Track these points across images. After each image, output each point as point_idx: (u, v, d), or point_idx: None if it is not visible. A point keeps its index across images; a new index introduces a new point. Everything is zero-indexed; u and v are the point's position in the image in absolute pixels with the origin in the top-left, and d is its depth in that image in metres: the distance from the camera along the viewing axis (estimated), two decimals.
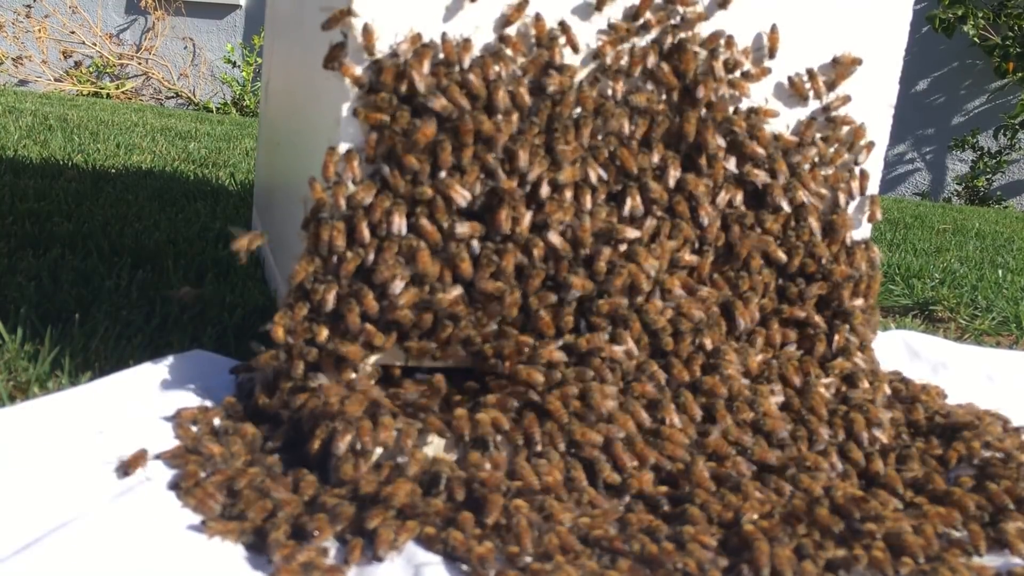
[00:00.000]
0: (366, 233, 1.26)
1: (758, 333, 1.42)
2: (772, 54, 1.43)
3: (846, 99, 1.48)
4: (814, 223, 1.45)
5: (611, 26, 1.35)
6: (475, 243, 1.30)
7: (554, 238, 1.30)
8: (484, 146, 1.29)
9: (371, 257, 1.26)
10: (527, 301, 1.31)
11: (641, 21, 1.36)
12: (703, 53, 1.39)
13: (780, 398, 1.36)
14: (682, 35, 1.38)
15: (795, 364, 1.41)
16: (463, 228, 1.28)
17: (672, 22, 1.38)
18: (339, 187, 1.27)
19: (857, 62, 1.46)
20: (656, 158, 1.38)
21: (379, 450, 1.19)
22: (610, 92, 1.36)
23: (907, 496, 1.23)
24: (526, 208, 1.31)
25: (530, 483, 1.16)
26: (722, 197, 1.41)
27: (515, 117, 1.30)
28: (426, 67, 1.27)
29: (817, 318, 1.44)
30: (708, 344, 1.36)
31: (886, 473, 1.28)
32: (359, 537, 1.05)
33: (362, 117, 1.27)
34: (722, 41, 1.39)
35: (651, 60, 1.37)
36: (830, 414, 1.35)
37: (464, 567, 1.03)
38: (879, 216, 1.52)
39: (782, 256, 1.43)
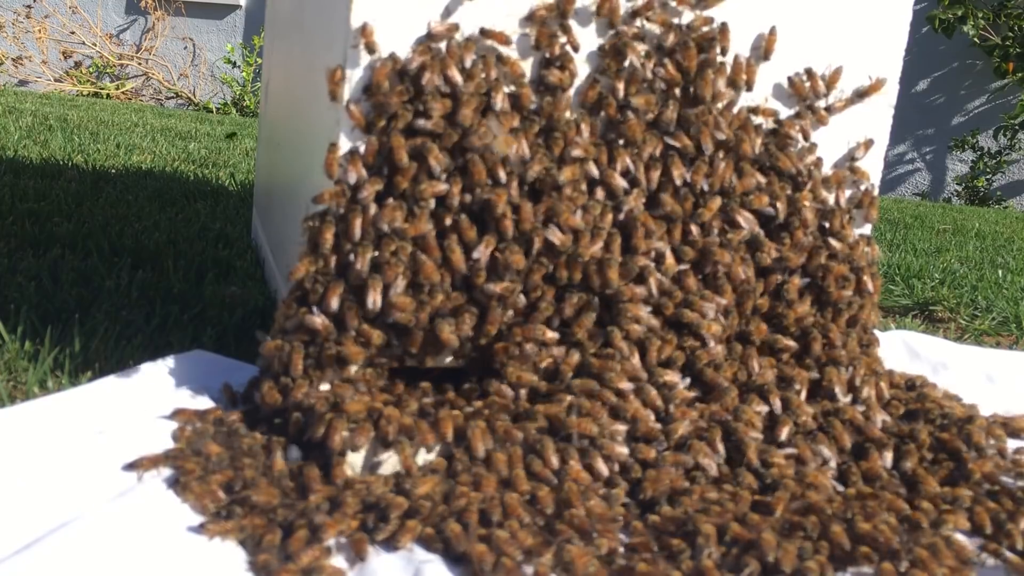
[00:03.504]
0: (358, 232, 1.26)
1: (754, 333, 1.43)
2: (767, 56, 1.43)
3: (849, 101, 1.48)
4: (812, 220, 1.45)
5: (618, 33, 1.36)
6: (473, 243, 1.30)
7: (553, 236, 1.30)
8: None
9: (367, 256, 1.26)
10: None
11: (645, 25, 1.36)
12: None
13: (765, 408, 1.36)
14: (685, 36, 1.38)
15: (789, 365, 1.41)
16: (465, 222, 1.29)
17: (675, 21, 1.38)
18: (342, 185, 1.27)
19: (882, 82, 1.48)
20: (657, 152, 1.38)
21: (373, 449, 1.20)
22: (611, 92, 1.36)
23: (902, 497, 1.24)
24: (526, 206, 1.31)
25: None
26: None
27: (516, 120, 1.31)
28: (437, 79, 1.27)
29: (813, 318, 1.44)
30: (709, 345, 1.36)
31: (883, 473, 1.28)
32: (363, 534, 1.05)
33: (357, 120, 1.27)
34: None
35: (649, 69, 1.37)
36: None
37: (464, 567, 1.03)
38: (875, 217, 1.52)
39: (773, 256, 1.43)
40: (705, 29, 1.39)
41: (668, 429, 1.27)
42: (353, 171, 1.27)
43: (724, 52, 1.40)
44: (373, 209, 1.27)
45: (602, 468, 1.21)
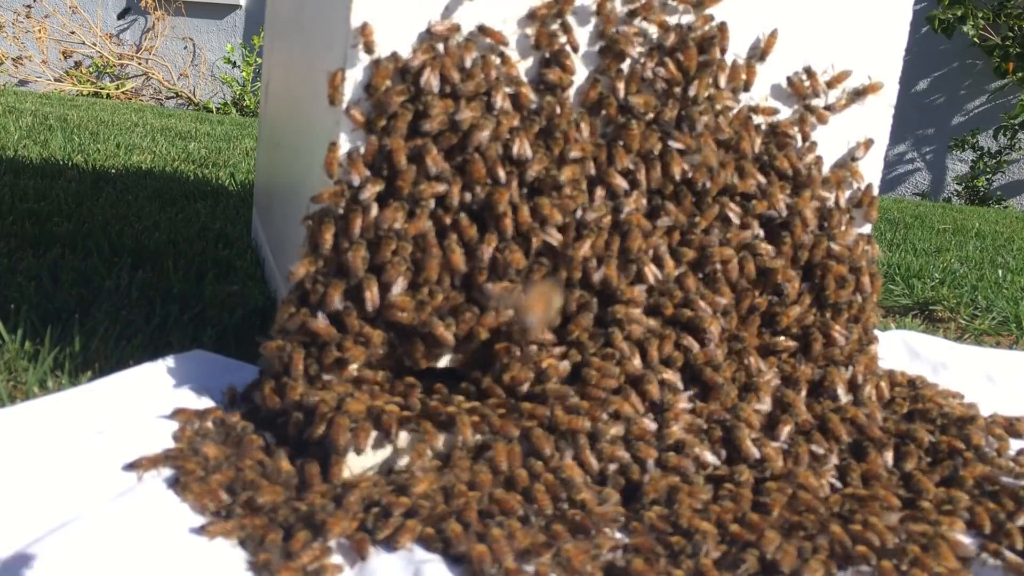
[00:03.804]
0: (357, 232, 1.26)
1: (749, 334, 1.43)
2: (763, 57, 1.43)
3: (848, 100, 1.48)
4: (812, 219, 1.45)
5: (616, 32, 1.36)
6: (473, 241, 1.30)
7: (552, 235, 1.30)
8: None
9: (360, 255, 1.26)
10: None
11: (646, 23, 1.36)
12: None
13: (765, 407, 1.36)
14: (685, 34, 1.38)
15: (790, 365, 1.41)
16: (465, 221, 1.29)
17: (675, 21, 1.38)
18: (341, 185, 1.27)
19: (879, 84, 1.48)
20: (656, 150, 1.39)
21: (378, 451, 1.20)
22: (612, 92, 1.36)
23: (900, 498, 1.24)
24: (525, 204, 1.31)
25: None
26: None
27: (516, 119, 1.31)
28: (435, 81, 1.27)
29: (813, 317, 1.44)
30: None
31: (883, 473, 1.28)
32: (363, 533, 1.05)
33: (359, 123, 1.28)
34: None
35: (650, 65, 1.37)
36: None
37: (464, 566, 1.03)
38: (875, 216, 1.52)
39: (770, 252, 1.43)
40: (705, 28, 1.39)
41: (663, 434, 1.27)
42: (355, 172, 1.27)
43: (723, 51, 1.40)
44: (374, 209, 1.27)
45: (592, 462, 1.21)
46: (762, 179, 1.44)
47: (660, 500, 1.17)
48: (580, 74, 1.37)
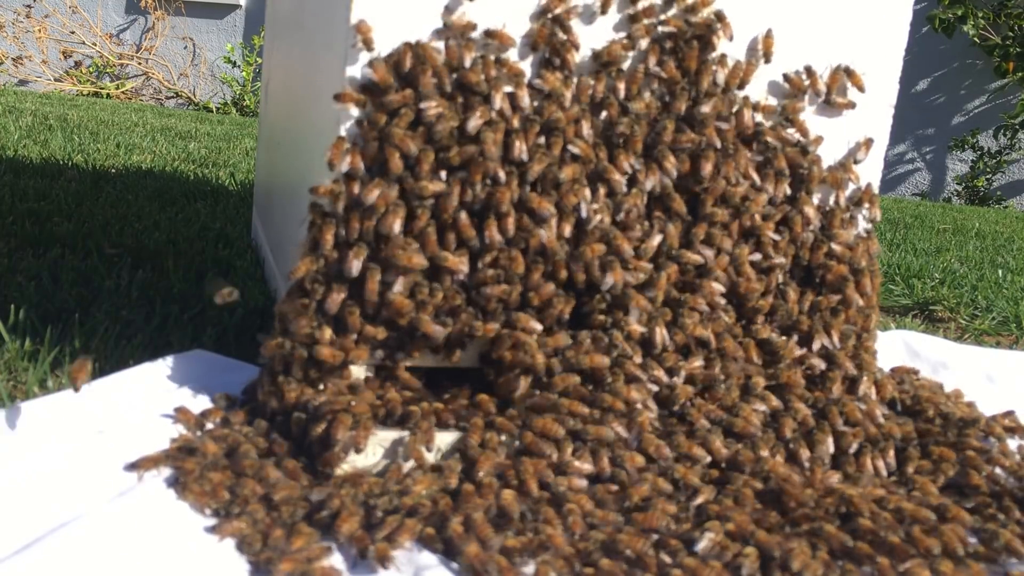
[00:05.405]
0: (356, 233, 1.26)
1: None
2: (767, 58, 1.43)
3: (850, 103, 1.48)
4: (813, 216, 1.45)
5: (628, 36, 1.36)
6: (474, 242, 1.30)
7: (544, 236, 1.30)
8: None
9: (362, 256, 1.26)
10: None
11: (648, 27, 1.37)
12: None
13: (764, 407, 1.35)
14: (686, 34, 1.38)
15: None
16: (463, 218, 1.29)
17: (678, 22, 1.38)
18: (340, 183, 1.27)
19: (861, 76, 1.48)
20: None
21: (379, 450, 1.20)
22: (612, 92, 1.36)
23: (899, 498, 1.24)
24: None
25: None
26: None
27: (515, 119, 1.31)
28: (429, 76, 1.27)
29: (809, 320, 1.44)
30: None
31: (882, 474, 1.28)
32: (363, 531, 1.05)
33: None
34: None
35: (652, 61, 1.37)
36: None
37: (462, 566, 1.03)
38: (878, 216, 1.52)
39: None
40: (706, 26, 1.39)
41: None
42: (351, 162, 1.26)
43: (731, 39, 1.39)
44: (375, 209, 1.27)
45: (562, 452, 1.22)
46: (758, 178, 1.43)
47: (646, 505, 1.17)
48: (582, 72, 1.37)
